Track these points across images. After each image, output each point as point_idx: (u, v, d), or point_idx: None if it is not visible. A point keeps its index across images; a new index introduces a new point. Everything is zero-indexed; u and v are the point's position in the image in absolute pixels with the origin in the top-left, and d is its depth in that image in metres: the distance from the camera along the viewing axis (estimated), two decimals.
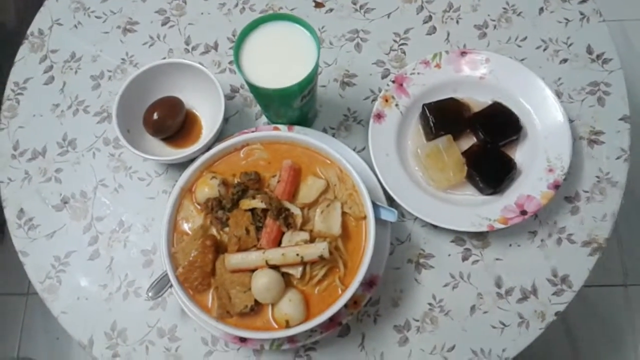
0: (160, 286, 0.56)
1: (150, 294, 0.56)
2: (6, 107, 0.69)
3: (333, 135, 0.64)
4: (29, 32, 0.73)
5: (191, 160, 0.58)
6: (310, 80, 0.53)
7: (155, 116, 0.61)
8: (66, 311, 0.60)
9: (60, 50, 0.72)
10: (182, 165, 0.62)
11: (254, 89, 0.53)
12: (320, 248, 0.50)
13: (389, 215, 0.55)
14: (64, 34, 0.72)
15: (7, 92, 0.70)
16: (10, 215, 0.64)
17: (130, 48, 0.71)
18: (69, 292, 0.60)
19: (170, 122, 0.62)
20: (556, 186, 0.58)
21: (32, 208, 0.64)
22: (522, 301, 0.57)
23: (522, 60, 0.67)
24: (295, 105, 0.56)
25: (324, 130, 0.65)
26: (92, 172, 0.65)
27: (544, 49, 0.68)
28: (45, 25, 0.73)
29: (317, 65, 0.52)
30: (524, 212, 0.57)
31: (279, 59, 0.53)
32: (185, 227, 0.55)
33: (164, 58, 0.70)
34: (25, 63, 0.71)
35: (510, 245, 0.60)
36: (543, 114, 0.61)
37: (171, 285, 0.53)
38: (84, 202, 0.64)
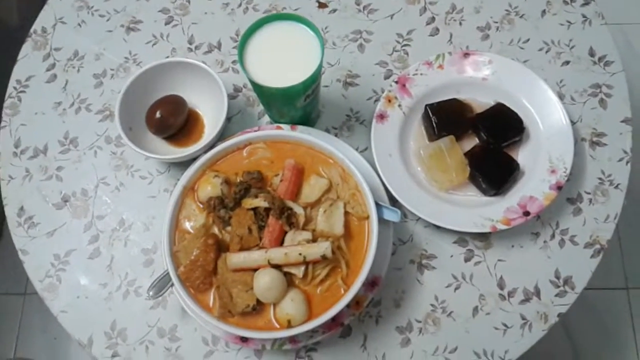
0: (161, 285, 0.56)
1: (151, 293, 0.55)
2: (8, 104, 0.69)
3: (335, 136, 0.64)
4: (32, 30, 0.73)
5: (193, 159, 0.58)
6: (314, 80, 0.53)
7: (157, 115, 0.61)
8: (66, 310, 0.59)
9: (63, 48, 0.71)
10: (184, 164, 0.62)
11: (257, 88, 0.53)
12: (322, 248, 0.50)
13: (392, 216, 0.55)
14: (67, 32, 0.72)
15: (10, 89, 0.70)
16: (10, 213, 0.63)
17: (133, 47, 0.71)
18: (69, 290, 0.60)
19: (173, 121, 0.62)
20: (559, 187, 0.58)
21: (32, 206, 0.64)
22: (525, 302, 0.57)
23: (525, 62, 0.67)
24: (299, 104, 0.56)
25: (327, 131, 0.65)
26: (93, 170, 0.65)
27: (547, 51, 0.68)
28: (49, 24, 0.73)
29: (321, 65, 0.52)
30: (526, 213, 0.57)
31: (283, 58, 0.53)
32: (187, 225, 0.55)
33: (167, 57, 0.70)
34: (28, 61, 0.71)
35: (513, 246, 0.60)
36: (545, 115, 0.61)
37: (172, 285, 0.53)
38: (84, 201, 0.64)
